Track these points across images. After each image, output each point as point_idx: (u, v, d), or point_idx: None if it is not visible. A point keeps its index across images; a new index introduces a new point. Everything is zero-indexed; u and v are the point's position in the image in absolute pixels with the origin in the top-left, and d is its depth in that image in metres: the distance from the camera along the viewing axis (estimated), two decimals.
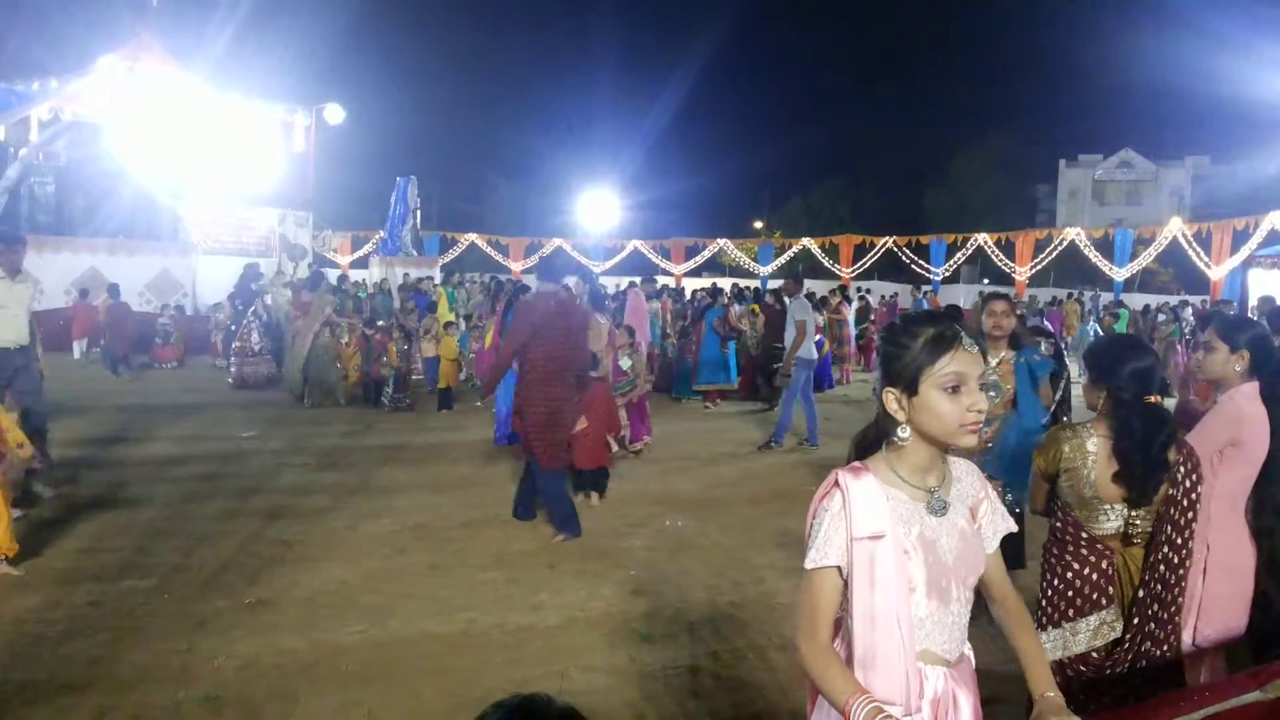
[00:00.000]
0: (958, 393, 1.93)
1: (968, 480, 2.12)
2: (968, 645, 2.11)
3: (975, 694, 2.07)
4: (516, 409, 6.98)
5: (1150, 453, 2.90)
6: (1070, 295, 29.37)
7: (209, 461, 8.83)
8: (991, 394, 4.77)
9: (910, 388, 1.97)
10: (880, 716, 1.79)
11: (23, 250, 7.40)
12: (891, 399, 2.01)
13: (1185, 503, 2.93)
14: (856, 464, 2.06)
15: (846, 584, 1.96)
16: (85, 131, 21.02)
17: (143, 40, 21.21)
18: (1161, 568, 2.91)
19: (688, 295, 22.40)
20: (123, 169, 20.22)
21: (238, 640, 4.79)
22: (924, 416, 1.96)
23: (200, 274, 19.89)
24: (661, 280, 27.78)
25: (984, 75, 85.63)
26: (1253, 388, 3.41)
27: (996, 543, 2.13)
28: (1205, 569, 3.27)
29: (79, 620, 4.98)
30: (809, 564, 1.99)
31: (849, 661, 1.97)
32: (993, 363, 5.08)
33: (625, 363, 9.55)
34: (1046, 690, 2.02)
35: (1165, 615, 2.93)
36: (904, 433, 1.99)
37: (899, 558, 1.94)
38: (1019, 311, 6.80)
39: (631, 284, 17.75)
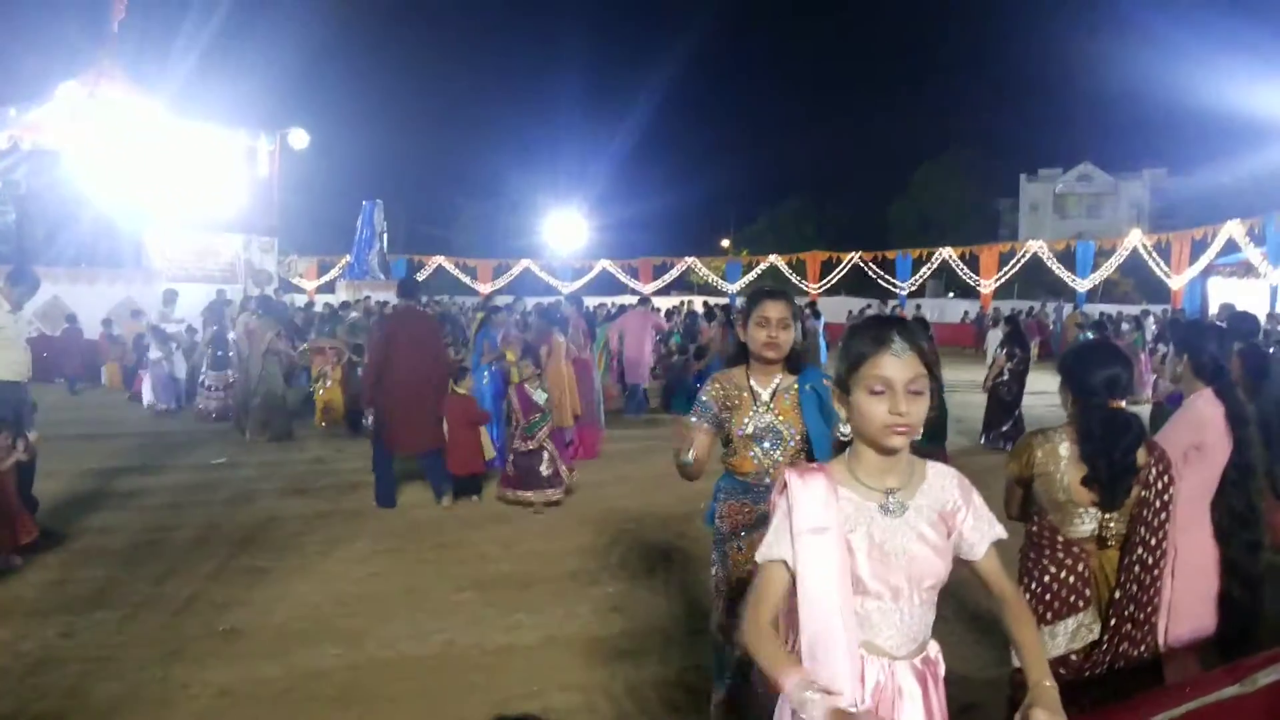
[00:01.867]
0: (882, 396, 1.99)
1: (943, 487, 2.13)
2: (933, 646, 2.14)
3: (932, 694, 2.08)
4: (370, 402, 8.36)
5: (1113, 457, 2.95)
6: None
7: (178, 490, 8.71)
8: (767, 445, 3.55)
9: (845, 388, 2.06)
10: (811, 689, 1.85)
11: (35, 288, 7.37)
12: (835, 395, 2.11)
13: (1158, 504, 2.98)
14: (811, 465, 2.16)
15: (794, 577, 2.02)
16: (45, 159, 20.74)
17: (103, 67, 21.00)
18: (1137, 569, 2.95)
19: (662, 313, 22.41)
20: (83, 196, 19.99)
21: (213, 668, 4.72)
22: (855, 416, 2.05)
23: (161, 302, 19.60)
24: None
25: (944, 91, 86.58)
26: (1211, 392, 3.50)
27: (985, 547, 2.14)
28: (1173, 571, 3.32)
29: (51, 652, 4.89)
30: (758, 557, 2.09)
31: (799, 649, 2.03)
32: (765, 395, 3.59)
33: (539, 396, 8.38)
34: (1043, 679, 2.03)
35: (1142, 616, 2.97)
36: (845, 428, 2.10)
37: (841, 553, 2.00)
38: (996, 315, 6.48)
39: (630, 306, 17.53)
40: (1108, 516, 3.00)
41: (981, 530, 2.13)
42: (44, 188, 20.55)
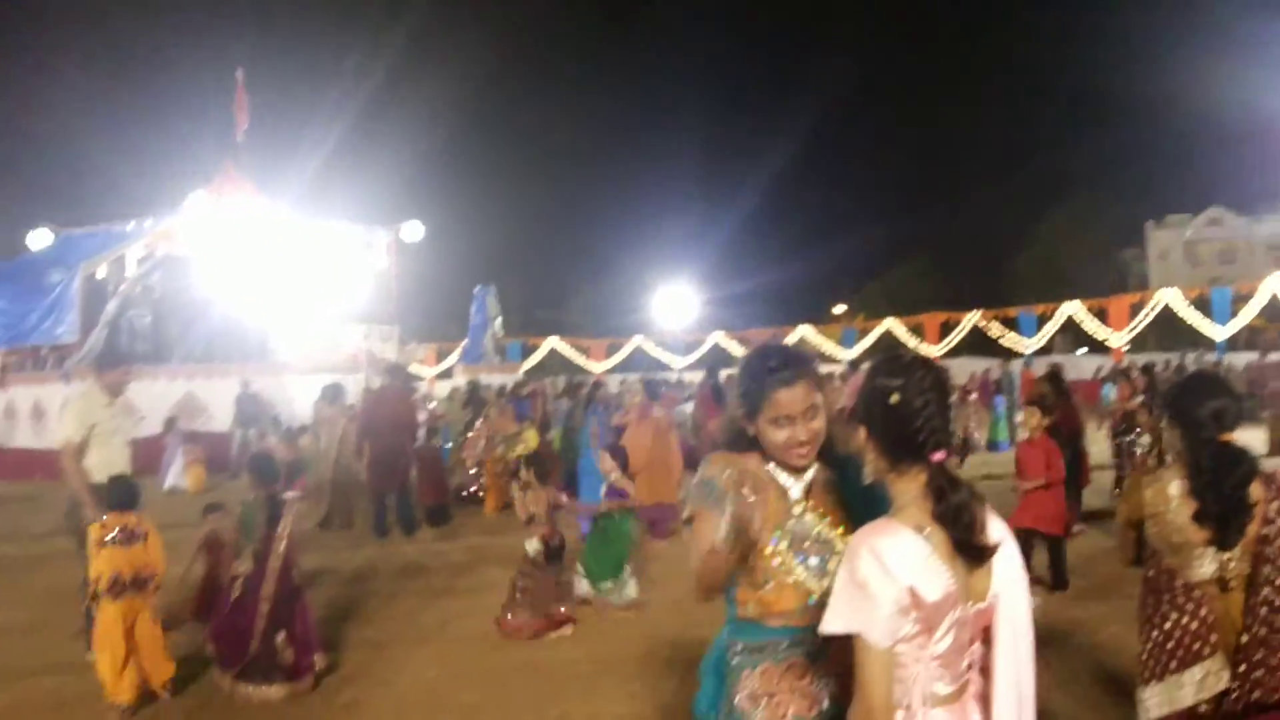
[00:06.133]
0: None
1: None
2: None
3: None
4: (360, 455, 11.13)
5: (1223, 492, 2.80)
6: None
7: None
8: (814, 561, 2.30)
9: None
10: None
11: (128, 373, 6.79)
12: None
13: None
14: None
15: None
16: (177, 265, 22.03)
17: (229, 175, 22.35)
18: (1264, 609, 2.77)
19: None
20: (212, 297, 21.08)
21: None
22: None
23: (288, 394, 20.24)
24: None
25: (1062, 140, 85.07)
26: None
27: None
28: None
29: None
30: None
31: None
32: (796, 490, 2.36)
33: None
34: None
35: (1275, 661, 2.76)
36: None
37: None
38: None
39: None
40: (1227, 557, 2.84)
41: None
42: (177, 291, 21.74)
